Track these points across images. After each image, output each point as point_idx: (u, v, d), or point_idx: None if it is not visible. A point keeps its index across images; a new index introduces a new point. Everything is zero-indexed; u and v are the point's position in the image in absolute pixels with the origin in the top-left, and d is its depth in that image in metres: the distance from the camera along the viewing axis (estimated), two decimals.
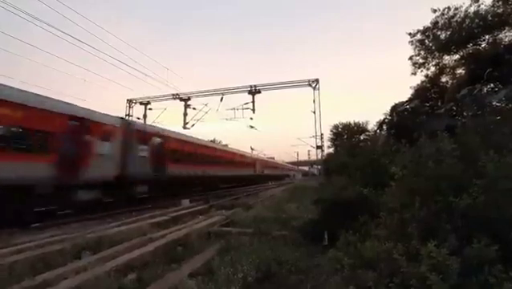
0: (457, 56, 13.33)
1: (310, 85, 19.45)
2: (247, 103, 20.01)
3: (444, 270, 2.55)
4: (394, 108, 13.04)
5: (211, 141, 34.49)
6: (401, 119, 11.25)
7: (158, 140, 15.86)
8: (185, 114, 21.89)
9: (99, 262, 4.53)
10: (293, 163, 79.84)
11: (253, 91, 19.85)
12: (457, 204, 3.14)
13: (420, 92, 14.11)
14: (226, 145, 40.26)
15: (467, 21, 12.05)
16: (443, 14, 12.87)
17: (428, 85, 14.29)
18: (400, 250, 3.02)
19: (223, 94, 20.42)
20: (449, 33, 12.65)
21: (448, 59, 13.97)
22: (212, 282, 3.70)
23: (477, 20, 11.74)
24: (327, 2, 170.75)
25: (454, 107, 10.12)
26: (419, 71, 15.02)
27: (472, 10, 12.06)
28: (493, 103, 8.13)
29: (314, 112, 19.07)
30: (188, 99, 21.88)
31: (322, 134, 22.60)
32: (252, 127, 23.11)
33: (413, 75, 15.30)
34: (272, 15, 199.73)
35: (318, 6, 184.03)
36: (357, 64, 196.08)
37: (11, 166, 8.17)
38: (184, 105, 21.79)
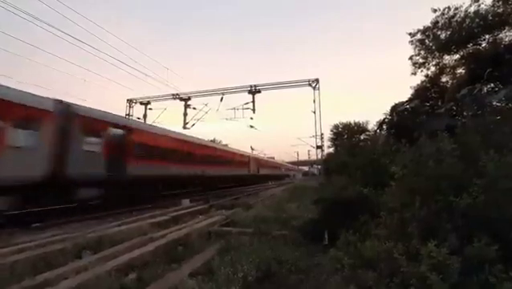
0: (457, 56, 13.35)
1: (310, 85, 19.48)
2: (247, 103, 20.09)
3: (444, 270, 2.56)
4: (394, 108, 13.03)
5: (211, 141, 34.24)
6: (401, 119, 11.24)
7: (117, 131, 12.67)
8: (185, 114, 21.98)
9: (99, 261, 4.53)
10: (293, 163, 79.89)
11: (254, 91, 19.90)
12: (457, 203, 3.14)
13: (420, 92, 14.11)
14: (215, 141, 38.89)
15: (467, 21, 12.07)
16: (443, 14, 12.89)
17: (428, 85, 14.30)
18: (400, 249, 3.03)
19: (223, 94, 20.49)
20: (449, 33, 12.67)
21: (448, 59, 14.00)
22: (212, 281, 3.70)
23: (477, 20, 11.75)
24: (327, 2, 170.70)
25: (454, 107, 10.12)
26: (419, 70, 15.05)
27: (472, 9, 12.08)
28: (494, 103, 8.13)
29: (315, 112, 19.15)
30: (189, 99, 21.94)
31: (322, 134, 22.70)
32: (252, 127, 23.22)
33: (413, 75, 15.34)
34: (272, 15, 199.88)
35: (318, 6, 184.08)
36: (357, 64, 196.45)
37: None
38: (184, 105, 21.88)
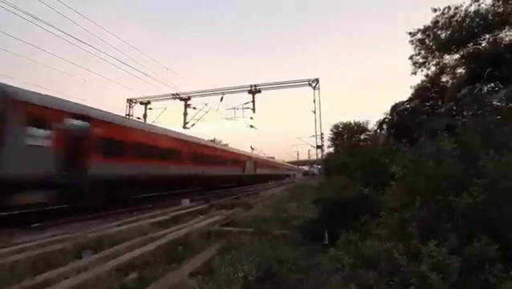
0: (457, 55, 13.37)
1: (310, 85, 19.50)
2: (247, 103, 20.12)
3: (444, 270, 2.56)
4: (394, 108, 13.05)
5: (211, 141, 34.09)
6: (401, 118, 11.26)
7: (77, 123, 10.43)
8: (185, 113, 21.99)
9: (100, 261, 4.53)
10: (293, 162, 79.94)
11: (254, 91, 19.91)
12: (457, 203, 3.14)
13: (420, 92, 14.13)
14: (215, 141, 38.21)
15: (467, 20, 12.08)
16: (443, 14, 12.90)
17: (428, 85, 14.32)
18: (400, 249, 3.03)
19: (223, 94, 20.50)
20: (449, 32, 12.68)
21: (448, 59, 14.02)
22: (212, 281, 3.70)
23: (477, 19, 11.76)
24: (327, 2, 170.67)
25: (454, 107, 10.13)
26: (419, 70, 15.07)
27: (472, 9, 12.11)
28: (494, 103, 8.14)
29: (315, 112, 19.17)
30: (189, 98, 21.96)
31: (322, 134, 22.73)
32: (252, 126, 23.23)
33: (413, 75, 15.37)
34: (272, 15, 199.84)
35: (318, 6, 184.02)
36: (357, 64, 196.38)
37: None
38: (184, 105, 21.89)
